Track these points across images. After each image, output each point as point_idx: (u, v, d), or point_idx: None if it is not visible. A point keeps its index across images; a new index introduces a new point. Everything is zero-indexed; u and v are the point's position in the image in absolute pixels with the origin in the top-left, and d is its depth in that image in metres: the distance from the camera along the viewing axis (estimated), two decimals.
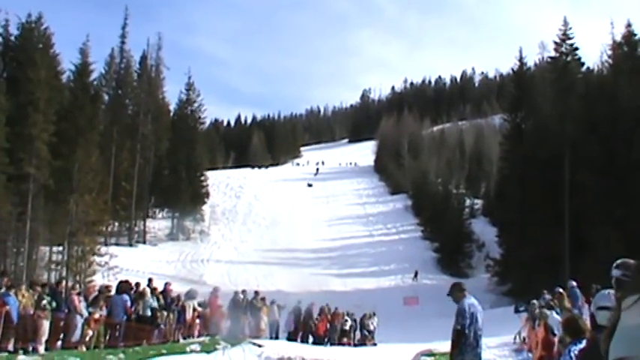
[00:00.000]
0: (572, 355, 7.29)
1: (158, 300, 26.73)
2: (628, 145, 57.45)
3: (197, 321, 30.25)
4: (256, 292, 35.20)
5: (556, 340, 13.85)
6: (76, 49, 75.23)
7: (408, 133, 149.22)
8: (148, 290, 26.81)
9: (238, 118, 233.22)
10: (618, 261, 5.76)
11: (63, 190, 59.16)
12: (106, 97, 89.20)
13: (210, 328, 30.93)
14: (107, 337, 23.54)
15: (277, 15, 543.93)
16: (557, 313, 18.96)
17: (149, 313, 25.69)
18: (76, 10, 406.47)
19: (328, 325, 39.01)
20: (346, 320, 40.83)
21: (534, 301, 25.45)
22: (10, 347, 19.74)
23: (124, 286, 25.29)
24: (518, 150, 73.25)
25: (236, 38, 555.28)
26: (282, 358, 26.08)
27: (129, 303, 24.33)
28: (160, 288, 28.55)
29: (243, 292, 33.86)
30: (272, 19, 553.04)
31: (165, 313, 26.87)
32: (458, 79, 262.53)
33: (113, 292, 24.89)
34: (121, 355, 20.36)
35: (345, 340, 39.46)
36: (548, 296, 24.43)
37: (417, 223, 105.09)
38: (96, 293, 24.45)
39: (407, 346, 29.44)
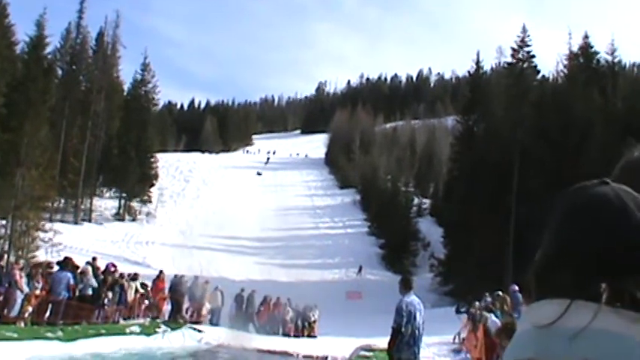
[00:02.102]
0: None
1: (101, 279, 26.51)
2: (577, 156, 58.03)
3: (140, 299, 30.16)
4: (196, 277, 35.11)
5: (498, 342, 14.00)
6: (33, 21, 74.06)
7: (361, 129, 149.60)
8: (89, 269, 26.59)
9: (192, 103, 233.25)
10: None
11: (10, 163, 58.32)
12: (60, 72, 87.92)
13: (152, 310, 30.86)
14: (47, 314, 23.29)
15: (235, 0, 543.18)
16: (496, 317, 19.17)
17: (90, 292, 25.47)
18: None
19: (270, 315, 39.13)
20: (288, 311, 40.91)
21: (476, 303, 25.68)
22: None
23: (68, 263, 25.02)
24: (469, 152, 73.74)
25: (193, 21, 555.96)
26: (222, 344, 26.09)
27: (72, 281, 24.05)
28: (104, 267, 28.34)
29: (182, 276, 33.65)
30: (230, 4, 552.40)
31: (107, 293, 26.65)
32: (414, 78, 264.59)
33: (55, 268, 24.63)
34: (60, 333, 20.23)
35: (285, 330, 39.53)
36: (489, 299, 24.62)
37: (364, 218, 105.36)
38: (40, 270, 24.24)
39: (347, 340, 29.55)
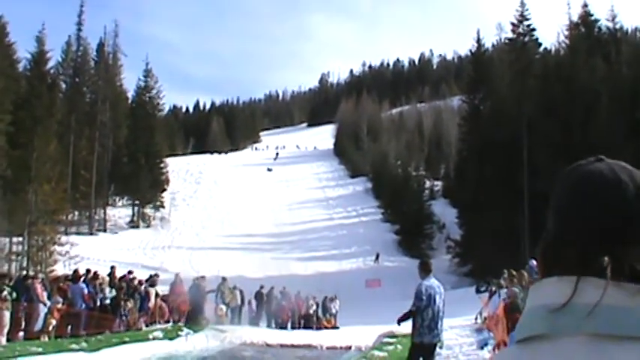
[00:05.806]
0: None
1: (120, 288, 26.68)
2: (584, 126, 57.78)
3: (160, 308, 30.22)
4: (223, 278, 35.11)
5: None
6: (32, 37, 74.16)
7: (367, 116, 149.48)
8: (106, 279, 26.81)
9: (197, 104, 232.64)
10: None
11: (21, 179, 58.55)
12: (64, 86, 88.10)
13: (173, 314, 30.97)
14: (69, 327, 23.42)
15: None
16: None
17: (108, 301, 25.64)
18: None
19: (290, 309, 39.21)
20: (311, 304, 41.03)
21: (496, 281, 25.69)
22: None
23: (79, 275, 25.19)
24: (477, 131, 73.53)
25: (189, 23, 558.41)
26: (245, 342, 26.16)
27: (86, 291, 24.15)
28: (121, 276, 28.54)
29: (202, 277, 33.60)
30: (222, 3, 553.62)
31: (127, 301, 26.77)
32: (416, 62, 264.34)
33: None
34: (84, 344, 20.29)
35: (307, 323, 39.61)
36: (507, 276, 24.62)
37: (378, 205, 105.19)
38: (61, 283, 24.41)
39: (369, 328, 29.54)
